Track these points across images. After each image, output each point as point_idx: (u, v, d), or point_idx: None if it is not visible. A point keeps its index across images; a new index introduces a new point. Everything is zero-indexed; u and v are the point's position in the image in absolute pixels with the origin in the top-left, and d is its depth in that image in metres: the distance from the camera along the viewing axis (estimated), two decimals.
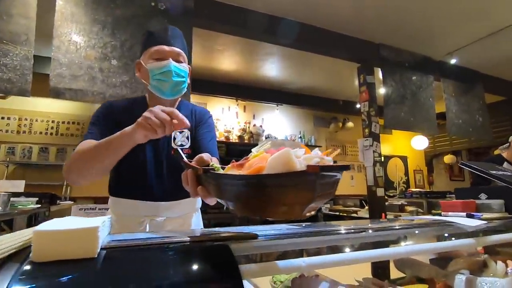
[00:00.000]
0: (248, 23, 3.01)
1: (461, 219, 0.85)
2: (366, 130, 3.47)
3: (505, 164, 2.19)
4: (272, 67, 4.67)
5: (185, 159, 0.66)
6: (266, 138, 5.44)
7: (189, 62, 1.19)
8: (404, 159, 7.18)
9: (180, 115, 0.75)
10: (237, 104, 5.45)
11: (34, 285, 0.37)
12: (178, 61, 1.06)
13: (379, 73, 3.63)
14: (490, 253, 1.04)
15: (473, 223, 0.80)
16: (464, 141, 6.23)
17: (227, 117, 5.39)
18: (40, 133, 4.24)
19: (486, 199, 1.04)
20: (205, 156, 0.66)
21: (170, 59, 1.03)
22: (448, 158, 7.00)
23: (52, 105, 4.22)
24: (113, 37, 2.38)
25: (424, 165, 7.51)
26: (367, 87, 3.49)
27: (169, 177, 1.09)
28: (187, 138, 1.04)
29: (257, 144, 0.61)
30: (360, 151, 3.47)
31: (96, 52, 2.31)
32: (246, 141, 5.33)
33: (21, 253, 0.42)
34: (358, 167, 6.35)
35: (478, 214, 0.91)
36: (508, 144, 2.34)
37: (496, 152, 2.86)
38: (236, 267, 0.44)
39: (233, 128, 5.35)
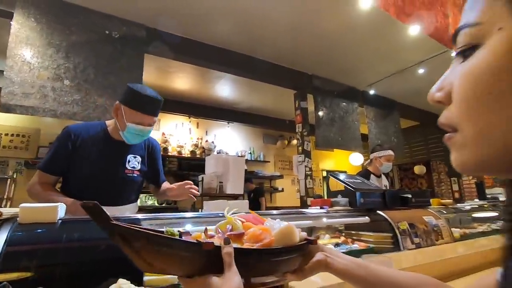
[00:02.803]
0: (197, 52, 3.41)
1: (312, 210, 1.29)
2: (300, 148, 4.01)
3: (372, 176, 2.68)
4: (223, 88, 5.09)
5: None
6: (217, 153, 5.76)
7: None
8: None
9: None
10: (190, 121, 5.75)
11: (21, 233, 0.69)
12: (151, 125, 1.34)
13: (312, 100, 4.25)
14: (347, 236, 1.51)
15: (315, 211, 1.24)
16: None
17: (180, 132, 5.65)
18: None
19: (341, 198, 1.51)
20: None
21: (149, 128, 1.31)
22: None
23: None
24: (67, 60, 2.60)
25: None
26: (301, 111, 4.06)
27: (121, 191, 1.37)
28: (139, 162, 1.39)
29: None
30: (295, 166, 3.99)
31: (49, 73, 2.51)
32: (198, 156, 5.61)
33: (9, 221, 0.73)
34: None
35: (326, 207, 1.36)
36: (369, 160, 2.78)
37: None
38: None
39: (185, 143, 5.61)
